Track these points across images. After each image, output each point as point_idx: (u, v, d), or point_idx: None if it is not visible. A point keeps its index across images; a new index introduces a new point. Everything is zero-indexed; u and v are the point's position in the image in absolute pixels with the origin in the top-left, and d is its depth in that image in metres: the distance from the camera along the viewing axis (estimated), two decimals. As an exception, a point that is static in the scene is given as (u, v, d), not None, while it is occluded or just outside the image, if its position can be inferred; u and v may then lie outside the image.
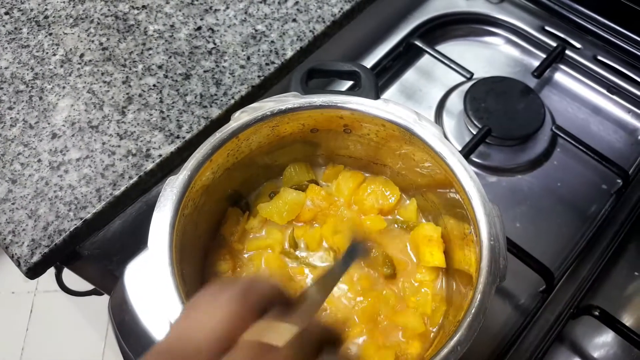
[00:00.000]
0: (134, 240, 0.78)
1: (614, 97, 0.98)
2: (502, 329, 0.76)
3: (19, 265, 0.72)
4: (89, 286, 1.02)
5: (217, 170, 0.62)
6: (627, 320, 0.77)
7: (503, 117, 0.89)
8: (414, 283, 0.67)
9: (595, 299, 0.79)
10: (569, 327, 0.77)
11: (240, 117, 0.61)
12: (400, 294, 0.66)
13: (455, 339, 0.49)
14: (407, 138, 0.62)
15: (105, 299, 0.79)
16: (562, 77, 1.01)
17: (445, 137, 0.60)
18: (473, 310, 0.51)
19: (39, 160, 0.77)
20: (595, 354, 0.77)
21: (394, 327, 0.64)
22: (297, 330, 0.31)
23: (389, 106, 0.61)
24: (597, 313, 0.74)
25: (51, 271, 0.84)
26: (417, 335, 0.63)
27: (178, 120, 0.81)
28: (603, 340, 0.78)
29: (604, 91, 0.98)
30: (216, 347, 0.28)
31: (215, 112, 0.81)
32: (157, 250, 0.54)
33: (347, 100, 0.62)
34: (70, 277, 0.97)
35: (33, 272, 0.72)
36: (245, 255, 0.69)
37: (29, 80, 0.85)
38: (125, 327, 0.75)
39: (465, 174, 0.57)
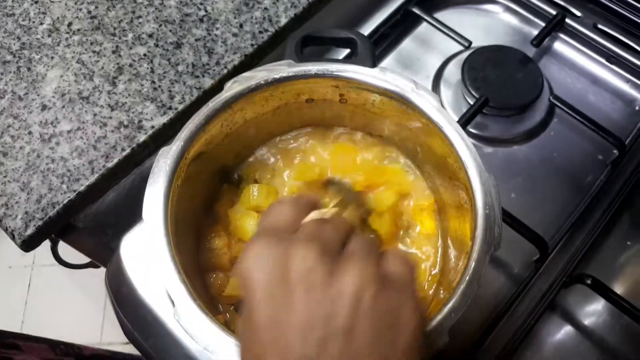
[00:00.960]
0: (129, 213, 0.77)
1: (613, 66, 0.97)
2: (495, 298, 0.76)
3: (13, 238, 0.71)
4: (85, 259, 1.02)
5: (211, 141, 0.62)
6: (619, 288, 0.78)
7: (501, 87, 0.88)
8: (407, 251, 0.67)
9: (588, 268, 0.80)
10: (561, 296, 0.78)
11: (233, 87, 0.60)
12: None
13: (449, 305, 0.50)
14: (404, 107, 0.61)
15: (102, 271, 0.79)
16: (562, 46, 0.99)
17: (443, 106, 0.59)
18: (467, 278, 0.51)
19: (30, 133, 0.76)
20: (586, 322, 0.78)
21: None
22: (336, 210, 0.49)
23: (386, 75, 0.60)
24: (589, 282, 0.74)
25: (47, 244, 0.84)
26: None
27: (170, 91, 0.79)
28: (594, 309, 0.79)
29: (603, 60, 0.97)
30: (291, 229, 0.42)
31: (207, 82, 0.80)
32: (152, 221, 0.53)
33: (343, 69, 0.61)
34: (67, 250, 0.97)
35: (28, 244, 0.71)
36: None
37: (16, 50, 0.83)
38: (123, 298, 0.75)
39: (462, 143, 0.57)
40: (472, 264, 0.52)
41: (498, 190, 0.55)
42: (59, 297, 1.94)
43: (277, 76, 0.60)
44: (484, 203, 0.54)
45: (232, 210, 0.67)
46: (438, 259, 0.67)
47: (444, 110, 0.58)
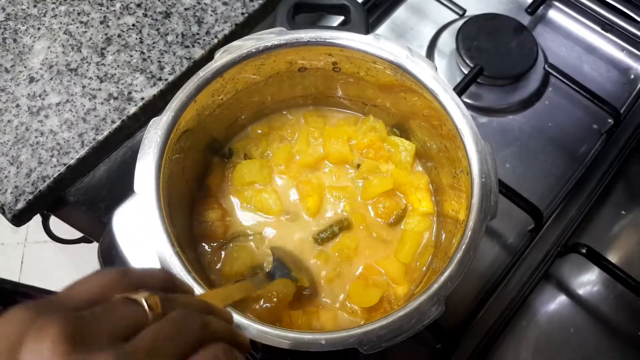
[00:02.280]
0: (120, 187, 0.76)
1: (608, 34, 0.95)
2: (490, 268, 0.77)
3: (3, 213, 0.70)
4: (77, 234, 1.02)
5: (202, 112, 0.60)
6: (613, 257, 0.78)
7: (495, 56, 0.87)
8: (406, 227, 0.67)
9: (583, 238, 0.80)
10: (555, 266, 0.78)
11: (223, 56, 0.58)
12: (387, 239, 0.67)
13: (446, 274, 0.50)
14: (399, 75, 0.60)
15: (95, 246, 0.78)
16: (556, 14, 0.98)
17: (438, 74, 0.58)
18: (464, 247, 0.51)
19: (18, 106, 0.75)
20: (580, 291, 0.78)
21: (378, 270, 0.65)
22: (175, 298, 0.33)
23: (380, 42, 0.59)
24: (584, 251, 0.75)
25: (39, 220, 0.83)
26: (402, 277, 0.64)
27: (159, 62, 0.78)
28: (588, 278, 0.79)
29: (598, 29, 0.96)
30: (87, 302, 0.30)
31: (197, 53, 0.78)
32: (144, 193, 0.52)
33: (336, 36, 0.59)
34: (59, 226, 0.96)
35: (18, 219, 0.70)
36: (234, 200, 0.68)
37: (1, 21, 0.81)
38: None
39: (458, 110, 0.56)
40: (469, 233, 0.51)
41: (494, 158, 0.55)
42: (51, 273, 1.93)
43: (268, 44, 0.59)
44: (480, 171, 0.54)
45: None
46: (434, 234, 0.67)
47: (439, 77, 0.57)
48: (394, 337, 0.47)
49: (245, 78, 0.62)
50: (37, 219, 0.79)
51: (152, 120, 0.56)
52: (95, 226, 0.83)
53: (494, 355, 0.73)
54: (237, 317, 0.48)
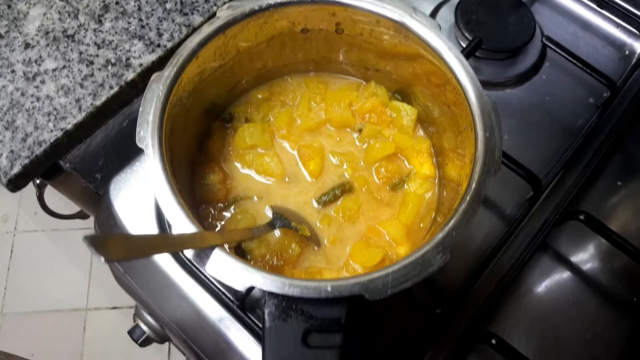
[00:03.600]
0: (117, 157, 0.76)
1: (604, 11, 0.96)
2: (489, 237, 0.77)
3: (-2, 177, 0.69)
4: (71, 210, 1.01)
5: (203, 70, 0.60)
6: (610, 226, 0.79)
7: (494, 29, 0.87)
8: (408, 189, 0.67)
9: (580, 207, 0.80)
10: (553, 235, 0.78)
11: (226, 13, 0.58)
12: (389, 201, 0.67)
13: (451, 224, 0.50)
14: (403, 35, 0.60)
15: (85, 230, 0.77)
16: (553, -10, 0.99)
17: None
18: (468, 198, 0.51)
19: (13, 71, 0.74)
20: (578, 260, 0.79)
21: (380, 231, 0.65)
22: None
23: (384, 1, 0.59)
24: (582, 217, 0.75)
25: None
26: (404, 238, 0.64)
27: (158, 29, 0.77)
28: (585, 247, 0.80)
29: (594, 5, 0.97)
30: None
31: (197, 20, 0.78)
32: (147, 144, 0.52)
33: (339, -5, 0.59)
34: (54, 204, 0.95)
35: (14, 184, 0.69)
36: (235, 164, 0.68)
37: (-4, -13, 0.80)
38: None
39: (461, 67, 0.56)
40: (473, 185, 0.51)
41: (498, 113, 0.55)
42: (42, 263, 1.91)
43: (271, 1, 0.59)
44: (484, 126, 0.54)
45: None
46: (435, 196, 0.67)
47: (442, 35, 0.57)
48: (400, 284, 0.47)
49: (247, 37, 0.62)
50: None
51: (153, 75, 0.55)
52: (91, 197, 0.82)
53: (492, 322, 0.73)
54: (245, 265, 0.47)
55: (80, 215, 0.99)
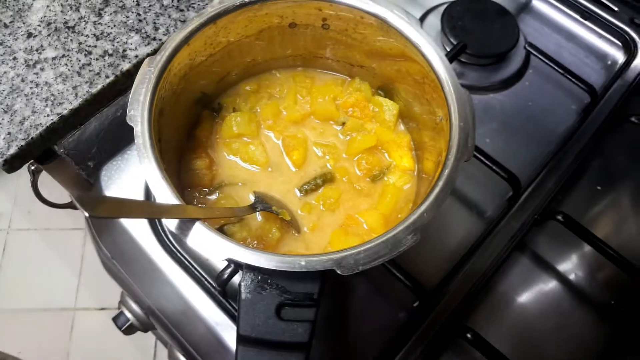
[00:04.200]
0: (110, 145, 0.78)
1: (587, 22, 1.00)
2: (468, 235, 0.79)
3: (-6, 158, 0.72)
4: (64, 200, 1.02)
5: (194, 58, 0.63)
6: (589, 229, 0.81)
7: (479, 36, 0.91)
8: (387, 181, 0.69)
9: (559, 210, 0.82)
10: (531, 237, 0.80)
11: (217, 4, 0.61)
12: (369, 192, 0.69)
13: (423, 207, 0.52)
14: (385, 30, 0.63)
15: (79, 234, 0.79)
16: (539, 3, 1.02)
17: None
18: (441, 183, 0.53)
19: (15, 58, 0.76)
20: (556, 261, 0.80)
21: (358, 220, 0.67)
22: None
23: (367, -1, 0.62)
24: (560, 218, 0.77)
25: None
26: (381, 227, 0.66)
27: (155, 23, 0.80)
28: (563, 251, 0.81)
29: (578, 17, 1.00)
30: None
31: (192, 16, 0.81)
32: (136, 121, 0.54)
33: (325, -9, 0.62)
34: (48, 194, 0.97)
35: (10, 165, 0.72)
36: (221, 151, 0.70)
37: (1, -21, 0.83)
38: (103, 227, 0.76)
39: (439, 61, 0.59)
40: (446, 171, 0.54)
41: (472, 105, 0.58)
42: (34, 261, 1.92)
43: (261, -5, 0.62)
44: (458, 115, 0.56)
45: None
46: (414, 189, 0.70)
47: (421, 30, 0.60)
48: (371, 261, 0.49)
49: (237, 29, 0.65)
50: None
51: (146, 59, 0.58)
52: (82, 186, 0.84)
53: (469, 318, 0.74)
54: (224, 239, 0.49)
55: (73, 205, 1.01)
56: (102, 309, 1.85)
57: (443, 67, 0.59)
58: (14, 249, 1.97)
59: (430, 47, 0.60)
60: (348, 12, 0.64)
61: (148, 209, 0.48)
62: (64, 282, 1.90)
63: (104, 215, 0.40)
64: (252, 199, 0.67)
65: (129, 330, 0.83)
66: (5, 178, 1.97)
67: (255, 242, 0.63)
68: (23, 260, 1.94)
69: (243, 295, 0.50)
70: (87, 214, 0.37)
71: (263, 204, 0.63)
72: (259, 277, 0.50)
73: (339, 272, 0.49)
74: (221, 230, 0.64)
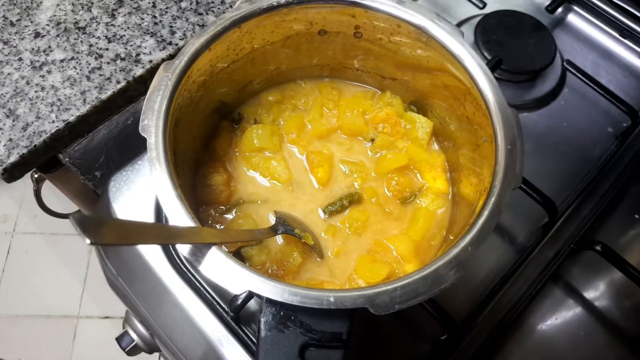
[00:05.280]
0: (119, 156, 0.74)
1: (626, 40, 0.94)
2: (499, 264, 0.73)
3: (-6, 165, 0.67)
4: (68, 210, 0.98)
5: (215, 64, 0.58)
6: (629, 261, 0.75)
7: (514, 51, 0.86)
8: (420, 204, 0.64)
9: (595, 239, 0.77)
10: (566, 266, 0.75)
11: (243, 6, 0.56)
12: (399, 215, 0.64)
13: (467, 239, 0.46)
14: (423, 41, 0.57)
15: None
16: (575, 18, 0.97)
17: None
18: (486, 213, 0.47)
19: (20, 59, 0.72)
20: (591, 294, 0.75)
21: (387, 246, 0.61)
22: None
23: (406, 5, 0.57)
24: (599, 248, 0.72)
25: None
26: (412, 255, 0.60)
27: (171, 27, 0.75)
28: (599, 280, 0.76)
29: (616, 34, 0.95)
30: None
31: (211, 20, 0.76)
32: (150, 133, 0.49)
33: (361, -3, 0.57)
34: (50, 203, 0.93)
35: (9, 173, 0.67)
36: (240, 166, 0.65)
37: (11, -25, 0.78)
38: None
39: (484, 77, 0.53)
40: (492, 199, 0.48)
41: (520, 126, 0.52)
42: (38, 266, 1.87)
43: (291, -1, 0.57)
44: (505, 137, 0.51)
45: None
46: (447, 214, 0.64)
47: (465, 43, 0.55)
48: (408, 300, 0.44)
49: (262, 34, 0.60)
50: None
51: (163, 63, 0.53)
52: (88, 197, 0.79)
53: (499, 353, 0.69)
54: (243, 268, 0.44)
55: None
56: (106, 317, 1.81)
57: (488, 84, 0.53)
58: (18, 252, 1.92)
59: (474, 61, 0.54)
60: (384, 21, 0.58)
61: (159, 233, 0.42)
62: (68, 289, 1.85)
63: (109, 242, 0.34)
64: (272, 219, 0.61)
65: (133, 351, 0.78)
66: (11, 180, 1.93)
67: (275, 267, 0.57)
68: (27, 265, 1.90)
69: (263, 333, 0.44)
70: (89, 242, 0.31)
71: (285, 226, 0.57)
72: (281, 313, 0.45)
73: (372, 311, 0.43)
74: (238, 253, 0.59)
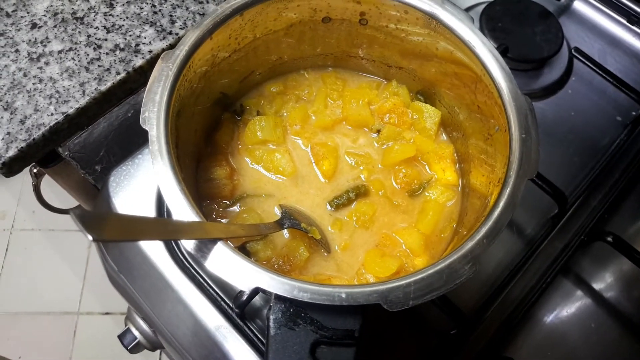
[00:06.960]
0: (120, 149, 0.72)
1: (634, 27, 0.93)
2: (508, 256, 0.72)
3: (-9, 160, 0.65)
4: (68, 205, 0.96)
5: (217, 53, 0.56)
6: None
7: (520, 39, 0.84)
8: (428, 196, 0.62)
9: (606, 229, 0.76)
10: (575, 259, 0.73)
11: (246, -7, 0.54)
12: (407, 208, 0.62)
13: (482, 231, 0.45)
14: (432, 27, 0.56)
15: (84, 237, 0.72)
16: (581, 4, 0.95)
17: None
18: (502, 204, 0.46)
19: (17, 51, 0.70)
20: (602, 286, 0.74)
21: (396, 240, 0.60)
22: None
23: (413, -10, 0.55)
24: (610, 239, 0.71)
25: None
26: (422, 249, 0.59)
27: (171, 16, 0.73)
28: (609, 272, 0.75)
29: (624, 21, 0.93)
30: None
31: (211, 8, 0.74)
32: (152, 125, 0.47)
33: (366, -18, 0.55)
34: (50, 199, 0.91)
35: (8, 168, 0.65)
36: (243, 159, 0.63)
37: (5, -35, 0.76)
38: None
39: (495, 63, 0.52)
40: (507, 190, 0.47)
41: (535, 114, 0.51)
42: (37, 263, 1.86)
43: (294, -15, 0.55)
44: (519, 126, 0.49)
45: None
46: (457, 206, 0.63)
47: (475, 29, 0.53)
48: (423, 295, 0.42)
49: (265, 22, 0.58)
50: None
51: (163, 53, 0.51)
52: (88, 191, 0.77)
53: (509, 346, 0.68)
54: (251, 264, 0.42)
55: (77, 211, 0.95)
56: (107, 313, 1.79)
57: (500, 71, 0.52)
58: (17, 249, 1.90)
59: (485, 47, 0.53)
60: (391, 7, 0.57)
61: (162, 228, 0.40)
62: (68, 285, 1.83)
63: (112, 238, 0.33)
64: (277, 213, 0.60)
65: (135, 349, 0.77)
66: (9, 175, 1.91)
67: (281, 262, 0.56)
68: (26, 262, 1.88)
69: (272, 331, 0.43)
70: (90, 238, 0.30)
71: (291, 220, 0.56)
72: (291, 310, 0.43)
73: (385, 307, 0.42)
74: (243, 248, 0.57)
